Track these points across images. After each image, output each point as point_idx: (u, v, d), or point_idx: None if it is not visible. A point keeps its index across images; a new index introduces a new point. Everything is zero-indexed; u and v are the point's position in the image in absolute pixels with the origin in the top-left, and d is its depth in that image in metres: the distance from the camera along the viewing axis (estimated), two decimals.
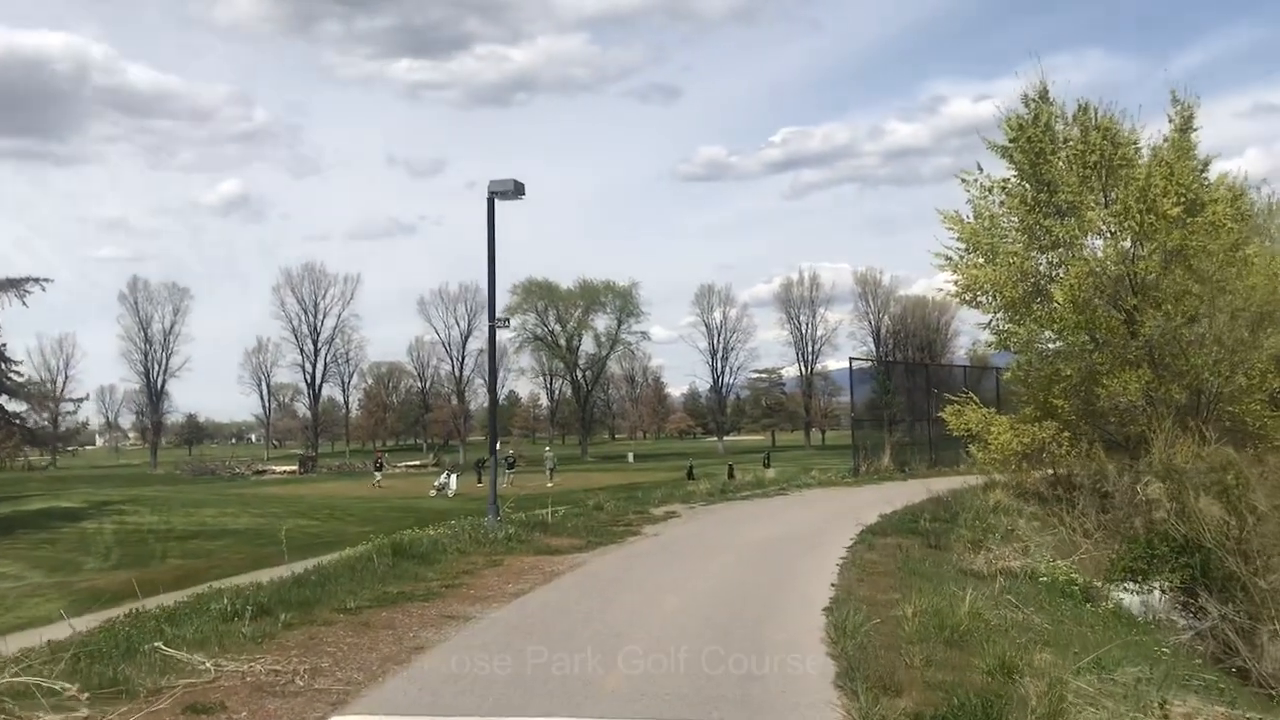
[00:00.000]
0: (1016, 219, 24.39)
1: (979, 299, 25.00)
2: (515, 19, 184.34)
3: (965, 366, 45.44)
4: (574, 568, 13.40)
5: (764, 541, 15.93)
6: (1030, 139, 22.95)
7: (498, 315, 16.82)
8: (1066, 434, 23.77)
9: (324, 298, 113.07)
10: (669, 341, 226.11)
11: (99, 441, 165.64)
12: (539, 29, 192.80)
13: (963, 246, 24.87)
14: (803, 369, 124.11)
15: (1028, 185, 23.69)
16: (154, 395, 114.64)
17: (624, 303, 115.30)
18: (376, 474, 58.93)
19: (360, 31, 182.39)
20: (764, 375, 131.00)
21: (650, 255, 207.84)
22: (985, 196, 24.71)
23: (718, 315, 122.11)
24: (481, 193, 16.24)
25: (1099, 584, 13.56)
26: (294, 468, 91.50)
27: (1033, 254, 23.81)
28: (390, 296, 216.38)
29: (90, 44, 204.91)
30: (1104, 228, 22.82)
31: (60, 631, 10.00)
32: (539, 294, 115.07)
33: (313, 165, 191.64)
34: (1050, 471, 24.73)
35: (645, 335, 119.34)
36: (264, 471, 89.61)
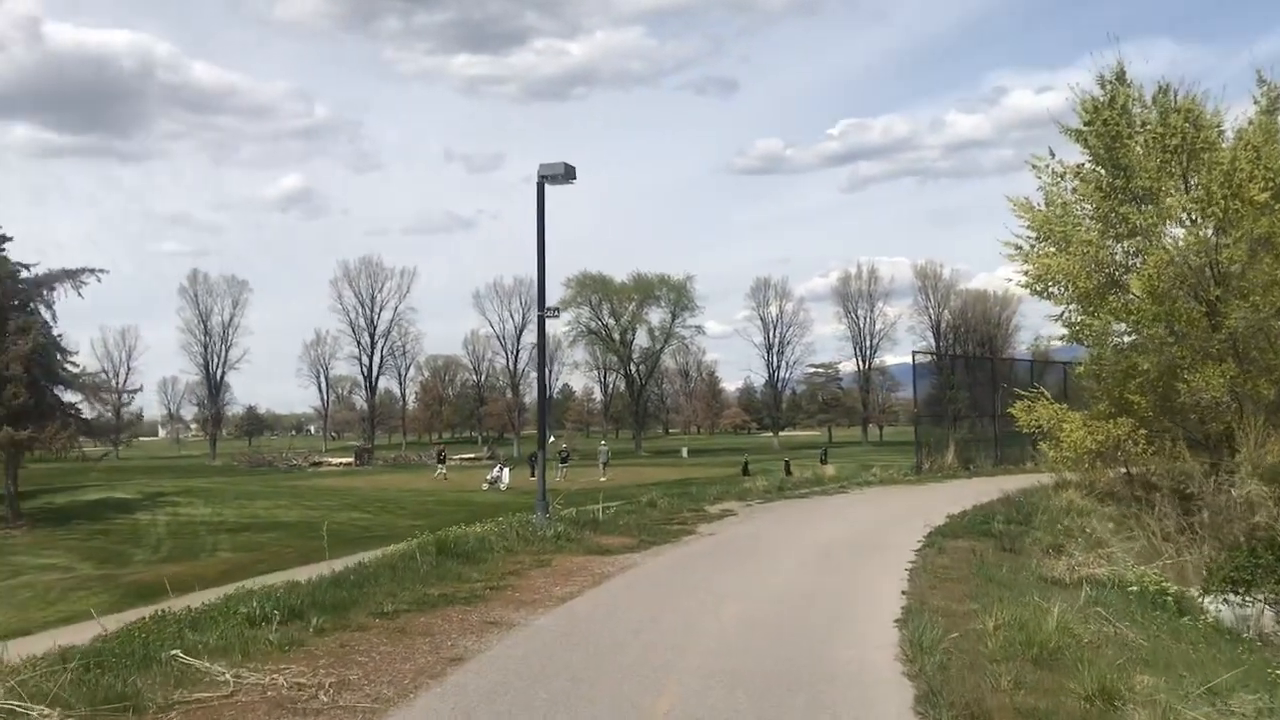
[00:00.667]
0: (1090, 206, 23.33)
1: (1050, 290, 23.96)
2: (573, 13, 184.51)
3: (1030, 361, 44.08)
4: (625, 569, 12.70)
5: (826, 543, 15.12)
6: (1106, 122, 21.84)
7: (547, 306, 16.14)
8: (1143, 431, 22.67)
9: (380, 291, 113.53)
10: (724, 336, 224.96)
11: (161, 433, 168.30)
12: (596, 22, 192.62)
13: (1033, 235, 23.89)
14: (860, 364, 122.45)
15: (1103, 170, 22.61)
16: (213, 387, 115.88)
17: (678, 296, 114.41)
18: (440, 466, 58.90)
19: (419, 27, 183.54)
20: (820, 370, 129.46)
21: (705, 249, 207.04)
22: (1057, 183, 23.69)
23: (773, 309, 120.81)
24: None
25: (1193, 593, 12.56)
26: (350, 460, 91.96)
27: (1108, 243, 22.71)
28: (448, 291, 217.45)
29: (155, 42, 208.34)
30: (1184, 215, 21.66)
31: (91, 631, 9.54)
32: (593, 287, 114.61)
33: (372, 160, 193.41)
34: (1124, 471, 23.63)
35: (700, 329, 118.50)
36: (320, 463, 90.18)
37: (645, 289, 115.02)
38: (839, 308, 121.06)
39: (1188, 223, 21.68)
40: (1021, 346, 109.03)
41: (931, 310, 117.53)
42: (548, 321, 16.96)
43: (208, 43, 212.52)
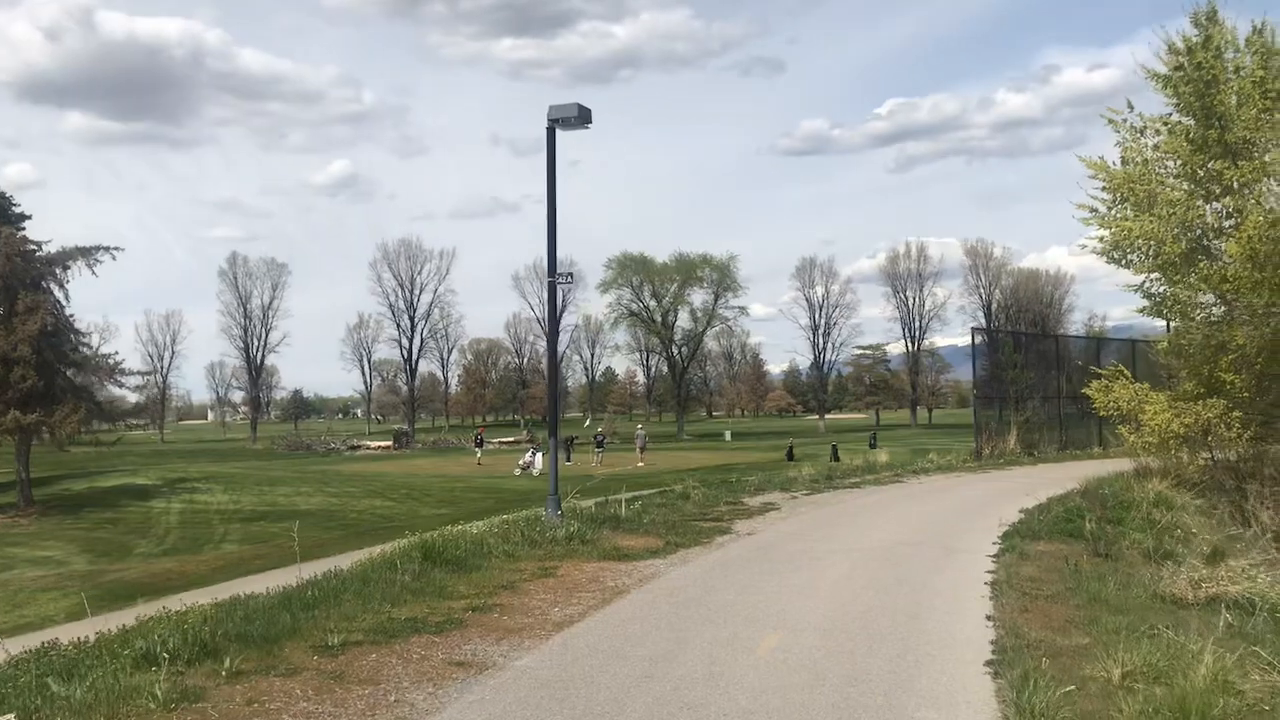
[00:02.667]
0: (1175, 164, 20.80)
1: (1130, 257, 21.49)
2: None
3: (1097, 338, 41.30)
4: (645, 581, 10.57)
5: (885, 546, 12.89)
6: (1200, 64, 19.31)
7: (560, 273, 13.99)
8: (1236, 414, 20.19)
9: (420, 273, 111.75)
10: (768, 319, 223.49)
11: (210, 416, 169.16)
12: (642, 4, 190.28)
13: (1109, 198, 21.42)
14: (909, 345, 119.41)
15: (1192, 122, 20.08)
16: (253, 370, 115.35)
17: (721, 277, 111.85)
18: (477, 450, 56.95)
19: (464, 11, 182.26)
20: (867, 351, 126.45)
21: (750, 231, 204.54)
22: (1137, 139, 21.18)
23: (819, 290, 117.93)
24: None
25: None
26: (389, 443, 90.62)
27: (1197, 203, 20.17)
28: (494, 274, 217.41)
29: (205, 30, 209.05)
30: None
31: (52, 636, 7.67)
32: (634, 268, 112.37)
33: (418, 145, 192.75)
34: (1210, 457, 21.15)
35: (743, 310, 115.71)
36: (359, 447, 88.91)
37: (687, 269, 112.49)
38: (887, 288, 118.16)
39: None
40: (1075, 326, 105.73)
41: (982, 290, 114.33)
42: (572, 296, 14.90)
43: (257, 30, 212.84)
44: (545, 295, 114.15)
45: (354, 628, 8.19)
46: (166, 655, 6.72)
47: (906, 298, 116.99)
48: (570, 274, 15.29)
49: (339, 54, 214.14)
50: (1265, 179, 19.18)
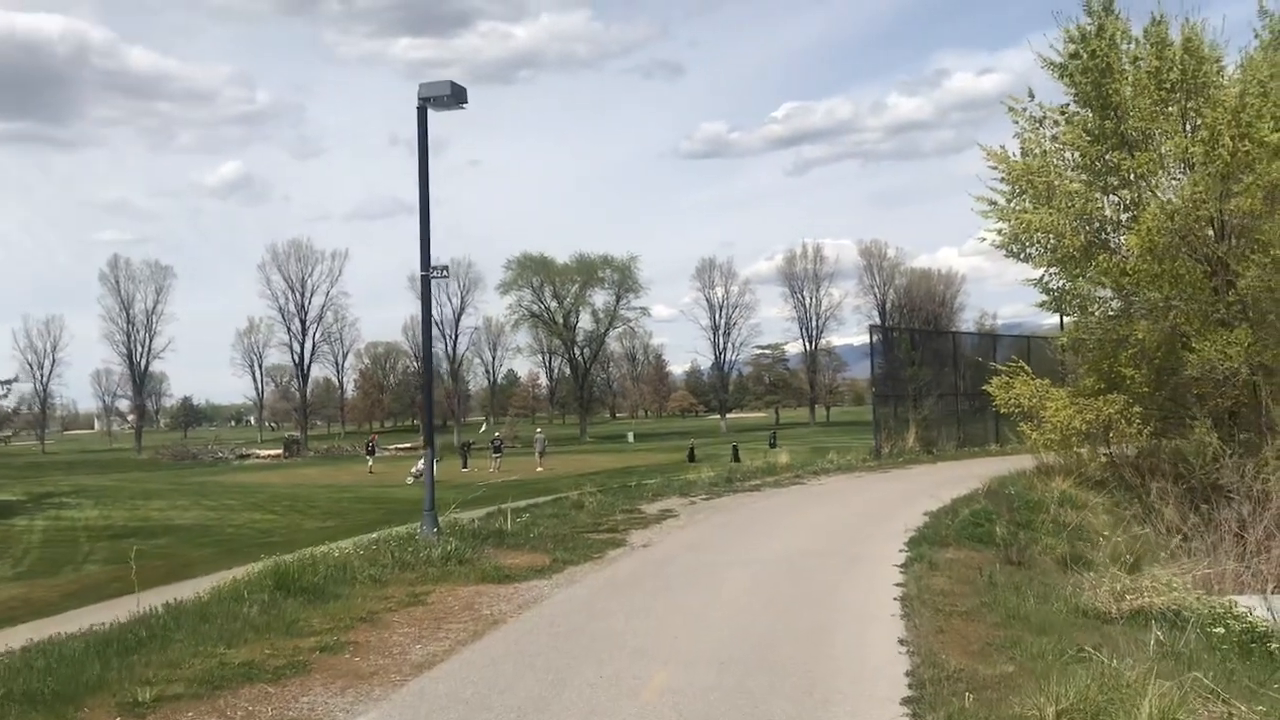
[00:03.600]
0: (1074, 155, 20.53)
1: (1028, 250, 21.16)
2: None
3: (987, 334, 41.42)
4: (525, 607, 9.52)
5: (787, 556, 12.05)
6: (1094, 53, 19.00)
7: (433, 265, 12.81)
8: (1137, 409, 19.95)
9: (311, 275, 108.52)
10: (671, 320, 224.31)
11: (97, 425, 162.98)
12: (542, 5, 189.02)
13: (1008, 190, 21.05)
14: (807, 345, 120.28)
15: (1090, 112, 19.79)
16: (137, 377, 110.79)
17: (622, 277, 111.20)
18: (369, 458, 54.45)
19: (360, 10, 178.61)
20: (767, 351, 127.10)
21: (652, 233, 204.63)
22: (1036, 129, 20.87)
23: (719, 291, 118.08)
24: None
25: (1253, 610, 9.53)
26: (279, 452, 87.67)
27: (1095, 195, 19.88)
28: (394, 277, 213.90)
29: (89, 27, 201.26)
30: (1184, 161, 18.89)
31: None
32: (534, 269, 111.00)
33: (314, 146, 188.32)
34: (1107, 454, 20.91)
35: (645, 311, 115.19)
36: (248, 456, 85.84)
37: (588, 270, 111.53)
38: (785, 288, 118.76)
39: (1188, 170, 18.89)
40: (966, 324, 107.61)
41: (877, 290, 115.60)
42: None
43: (145, 28, 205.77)
44: (444, 298, 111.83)
45: (176, 677, 6.99)
46: None
47: (804, 298, 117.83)
48: (445, 268, 13.93)
49: (231, 52, 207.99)
50: (1161, 171, 18.94)
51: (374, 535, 13.38)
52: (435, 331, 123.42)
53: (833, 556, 12.03)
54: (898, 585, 10.02)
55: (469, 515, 17.20)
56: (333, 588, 10.09)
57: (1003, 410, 21.59)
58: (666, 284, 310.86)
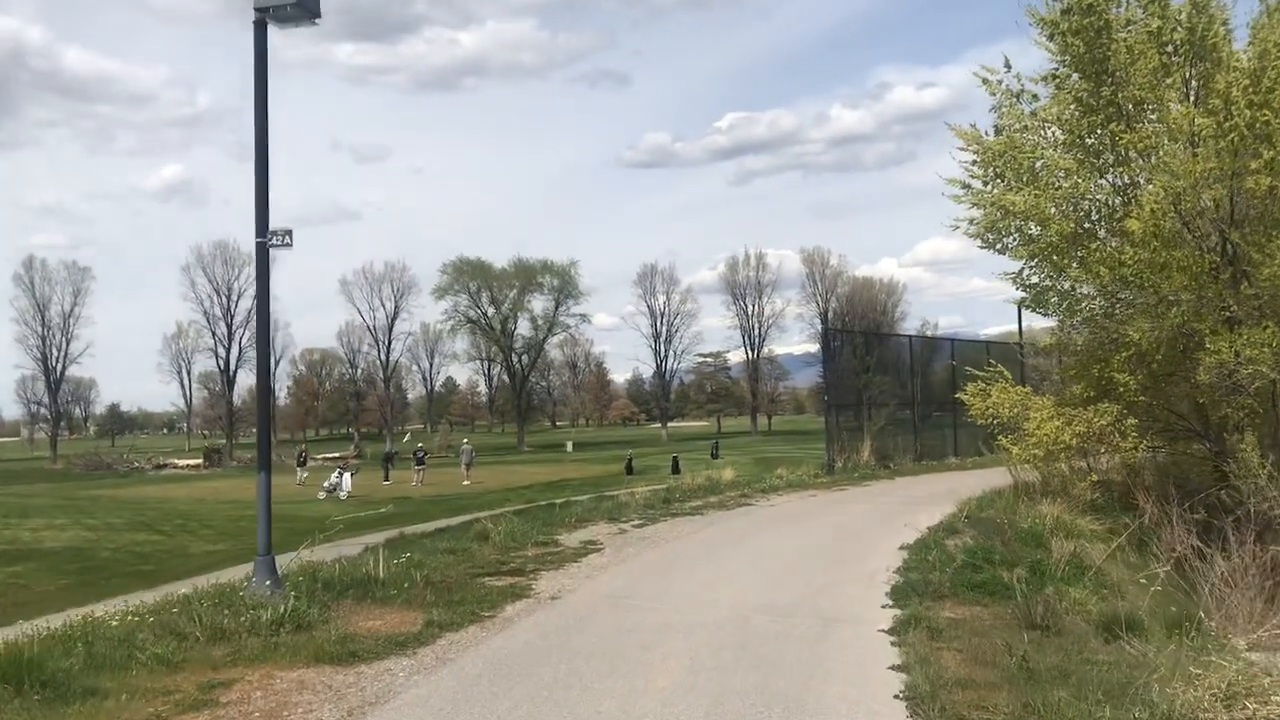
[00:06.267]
0: (1059, 132, 18.01)
1: (1004, 240, 18.60)
2: (464, 2, 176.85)
3: (942, 339, 38.90)
4: (358, 713, 6.52)
5: (739, 618, 9.12)
6: (1090, 6, 16.44)
7: (273, 231, 9.70)
8: (1132, 420, 17.41)
9: (238, 278, 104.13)
10: (613, 329, 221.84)
11: (23, 433, 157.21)
12: (489, 12, 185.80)
13: (982, 173, 18.51)
14: (749, 353, 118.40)
15: (1081, 79, 17.25)
16: (52, 383, 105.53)
17: (562, 283, 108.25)
18: (300, 471, 48.60)
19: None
20: (709, 359, 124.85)
21: (595, 242, 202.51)
22: (1013, 103, 18.30)
23: (660, 298, 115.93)
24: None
25: None
26: (199, 462, 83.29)
27: (1088, 174, 17.33)
28: (333, 283, 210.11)
29: (25, 26, 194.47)
30: (1191, 131, 16.33)
31: None
32: (471, 273, 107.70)
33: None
34: (1092, 469, 18.35)
35: (585, 318, 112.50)
36: (165, 466, 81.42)
37: (527, 275, 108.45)
38: (727, 296, 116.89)
39: (1195, 143, 16.35)
40: (910, 333, 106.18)
41: (819, 298, 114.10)
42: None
43: (83, 28, 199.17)
44: (378, 302, 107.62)
45: None
46: None
47: (746, 305, 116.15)
48: (289, 232, 10.77)
49: (171, 54, 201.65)
50: (1165, 145, 16.37)
51: (184, 591, 10.21)
52: (370, 337, 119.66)
53: (799, 616, 9.14)
54: (895, 670, 7.17)
55: (354, 545, 14.18)
56: (89, 678, 7.00)
57: (980, 421, 18.90)
58: (609, 293, 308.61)
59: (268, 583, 9.27)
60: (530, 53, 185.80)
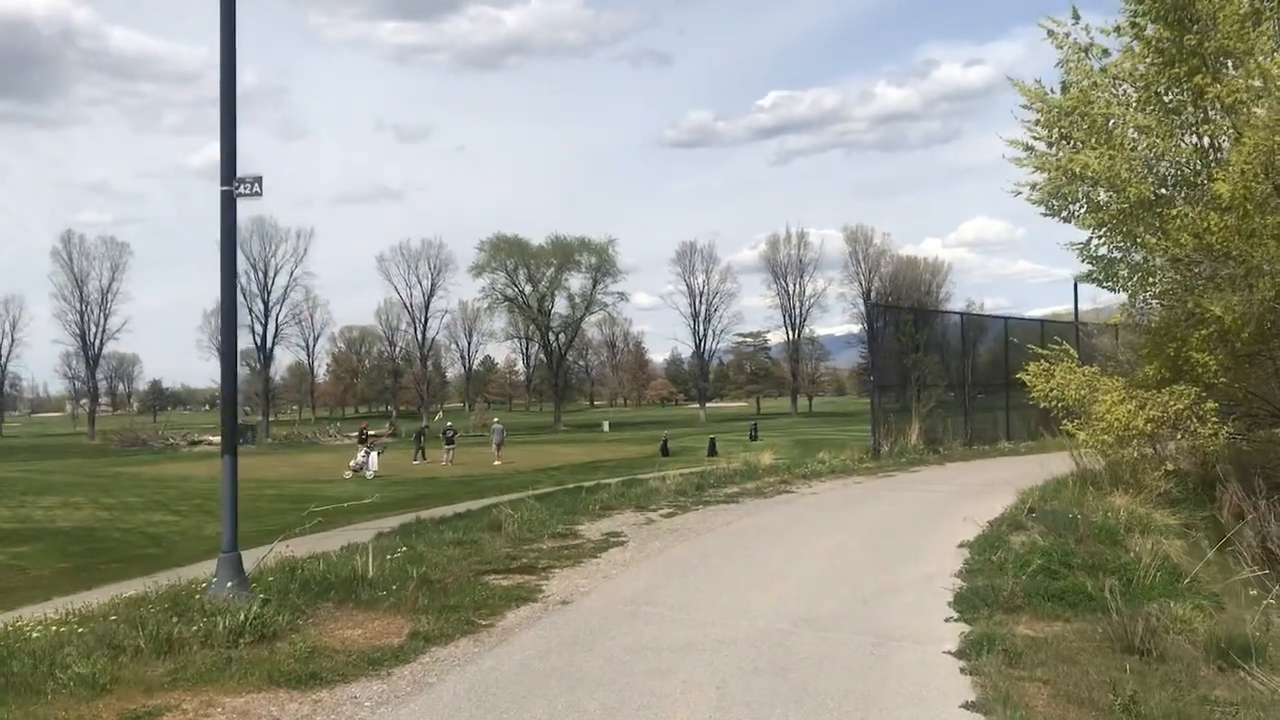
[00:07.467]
0: (1131, 90, 16.40)
1: (1071, 207, 17.06)
2: None
3: (1008, 317, 37.03)
4: None
5: (776, 634, 7.74)
6: None
7: (239, 177, 8.37)
8: (1212, 404, 15.84)
9: (275, 255, 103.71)
10: (653, 309, 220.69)
11: (68, 408, 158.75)
12: None
13: (1046, 134, 16.98)
14: (789, 333, 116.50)
15: (1162, 28, 15.60)
16: (90, 358, 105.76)
17: (600, 261, 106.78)
18: (364, 450, 40.92)
19: None
20: (748, 339, 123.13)
21: (636, 222, 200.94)
22: (1080, 58, 16.69)
23: (700, 277, 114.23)
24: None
25: None
26: None
27: (1175, 131, 15.72)
28: (374, 261, 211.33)
29: (73, 7, 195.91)
30: None
31: None
32: (508, 251, 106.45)
33: (299, 129, 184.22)
34: (1173, 457, 16.76)
35: (623, 296, 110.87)
36: (199, 442, 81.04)
37: (565, 253, 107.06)
38: (767, 275, 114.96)
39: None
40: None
41: (862, 277, 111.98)
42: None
43: (129, 8, 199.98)
44: (414, 279, 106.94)
45: None
46: None
47: (787, 284, 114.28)
48: (258, 179, 9.25)
49: (217, 33, 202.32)
50: (1268, 95, 14.69)
51: (132, 593, 9.00)
52: (405, 315, 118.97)
53: (847, 631, 7.75)
54: (969, 710, 5.78)
55: (367, 530, 13.01)
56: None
57: (1043, 404, 17.36)
58: (649, 272, 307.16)
59: (230, 584, 7.99)
60: (574, 31, 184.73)
